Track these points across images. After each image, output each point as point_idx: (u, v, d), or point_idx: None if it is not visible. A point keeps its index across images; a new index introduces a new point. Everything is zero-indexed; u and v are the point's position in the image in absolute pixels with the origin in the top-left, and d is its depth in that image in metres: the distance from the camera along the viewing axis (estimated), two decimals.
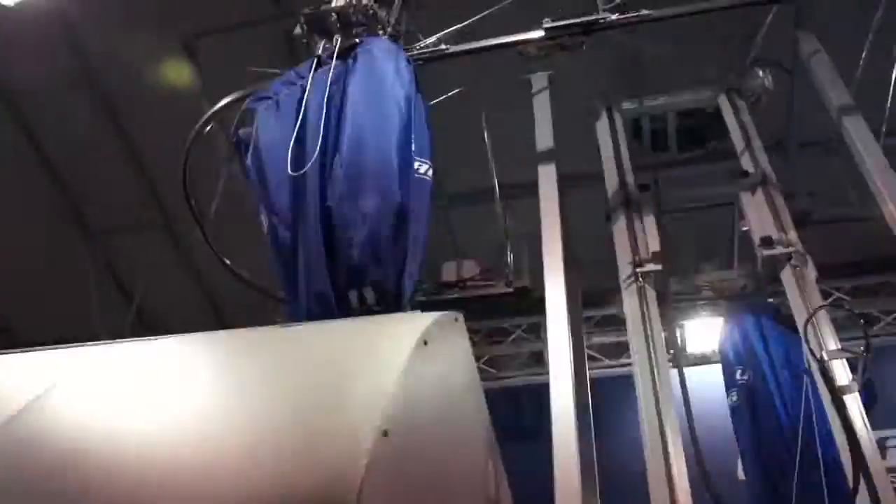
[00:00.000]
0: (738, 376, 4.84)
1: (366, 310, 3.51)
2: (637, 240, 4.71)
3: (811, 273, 4.32)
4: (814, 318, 3.96)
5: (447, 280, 5.91)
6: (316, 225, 3.58)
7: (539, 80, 5.32)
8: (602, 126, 5.49)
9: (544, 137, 4.99)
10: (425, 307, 5.91)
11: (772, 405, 4.52)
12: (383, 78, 4.08)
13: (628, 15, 4.59)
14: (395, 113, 3.98)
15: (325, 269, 3.50)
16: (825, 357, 3.86)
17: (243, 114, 3.97)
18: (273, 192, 3.74)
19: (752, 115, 5.39)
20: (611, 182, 5.15)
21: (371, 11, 4.50)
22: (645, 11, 4.54)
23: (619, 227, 4.85)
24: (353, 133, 3.79)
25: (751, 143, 5.09)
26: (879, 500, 3.42)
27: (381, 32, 4.59)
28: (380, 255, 3.50)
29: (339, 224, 3.53)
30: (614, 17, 4.58)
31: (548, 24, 4.61)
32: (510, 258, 5.85)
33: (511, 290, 5.71)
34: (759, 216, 4.70)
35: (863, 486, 3.50)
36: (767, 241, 4.48)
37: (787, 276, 4.36)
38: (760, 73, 5.42)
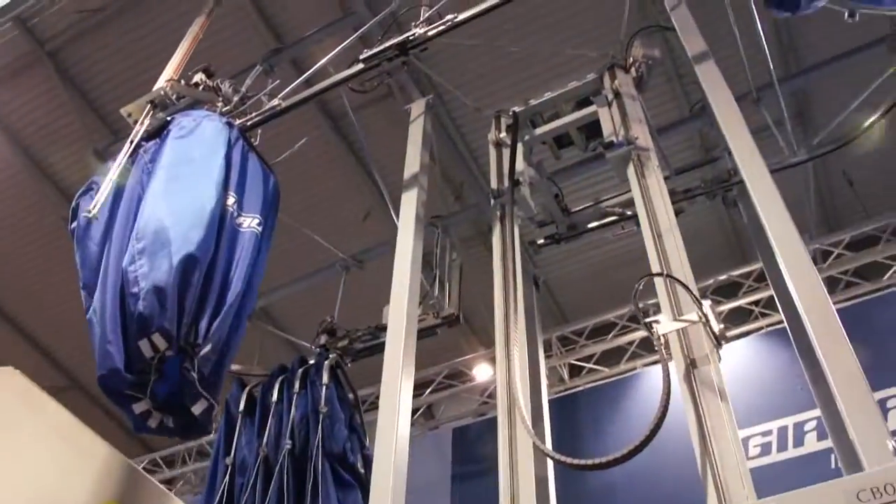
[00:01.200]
0: None
1: (159, 357, 3.71)
2: None
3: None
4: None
5: (385, 323, 5.95)
6: (115, 288, 3.86)
7: (418, 106, 5.34)
8: (491, 136, 5.38)
9: (412, 164, 4.95)
10: (360, 354, 6.00)
11: None
12: (189, 147, 4.36)
13: (438, 24, 4.59)
14: (203, 176, 4.24)
15: (118, 326, 3.75)
16: None
17: (74, 211, 4.34)
18: (85, 271, 4.09)
19: (641, 88, 5.08)
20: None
21: (201, 87, 4.86)
22: (450, 16, 4.52)
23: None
24: (150, 201, 4.08)
25: (626, 116, 4.78)
26: None
27: (220, 103, 4.94)
28: (165, 303, 3.69)
29: (130, 280, 3.78)
30: (422, 30, 4.59)
31: (364, 55, 4.70)
32: (436, 288, 5.82)
33: (439, 320, 5.68)
34: None
35: None
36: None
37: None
38: (637, 41, 5.09)
